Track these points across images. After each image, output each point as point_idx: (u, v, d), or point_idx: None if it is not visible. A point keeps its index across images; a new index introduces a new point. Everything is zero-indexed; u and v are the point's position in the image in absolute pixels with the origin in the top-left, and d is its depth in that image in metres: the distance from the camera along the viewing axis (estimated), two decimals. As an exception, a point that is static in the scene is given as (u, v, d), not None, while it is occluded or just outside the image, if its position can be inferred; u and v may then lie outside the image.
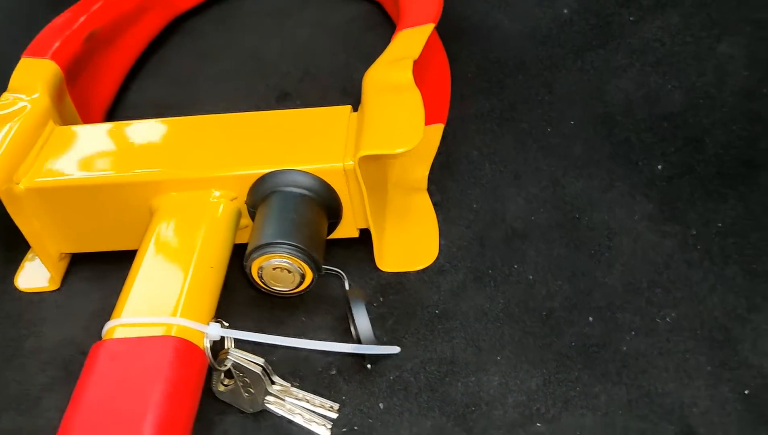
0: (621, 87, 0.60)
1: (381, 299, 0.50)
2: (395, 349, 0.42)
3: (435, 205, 0.55)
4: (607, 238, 0.51)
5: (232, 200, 0.49)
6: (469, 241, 0.52)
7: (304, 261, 0.45)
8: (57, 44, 0.61)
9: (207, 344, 0.42)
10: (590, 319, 0.47)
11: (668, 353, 0.45)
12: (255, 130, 0.51)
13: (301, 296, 0.50)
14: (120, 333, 0.41)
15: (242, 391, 0.44)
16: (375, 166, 0.51)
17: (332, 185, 0.48)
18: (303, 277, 0.46)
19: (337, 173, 0.47)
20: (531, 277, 0.50)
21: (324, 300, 0.50)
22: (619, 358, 0.45)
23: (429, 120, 0.61)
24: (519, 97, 0.61)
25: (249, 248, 0.45)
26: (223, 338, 0.44)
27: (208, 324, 0.42)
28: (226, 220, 0.48)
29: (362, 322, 0.43)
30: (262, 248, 0.45)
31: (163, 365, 0.39)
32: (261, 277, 0.46)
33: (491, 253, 0.51)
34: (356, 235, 0.52)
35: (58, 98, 0.57)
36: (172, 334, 0.41)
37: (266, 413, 0.45)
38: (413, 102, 0.48)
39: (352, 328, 0.47)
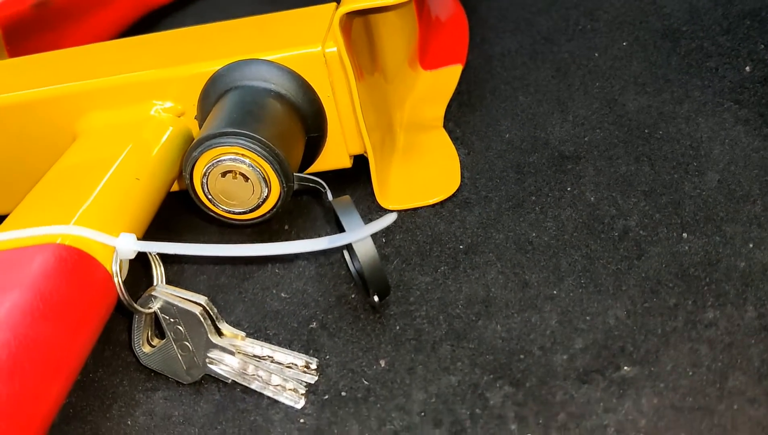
0: (683, -3, 0.47)
1: (383, 241, 0.36)
2: (391, 218, 0.27)
3: (455, 140, 0.42)
4: (691, 148, 0.37)
5: (178, 117, 0.37)
6: (503, 169, 0.39)
7: (267, 160, 0.32)
8: (-1, 2, 0.51)
9: (116, 269, 0.28)
10: (684, 235, 0.32)
11: (812, 264, 0.30)
12: (213, 34, 0.39)
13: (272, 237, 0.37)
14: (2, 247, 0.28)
15: (176, 349, 0.30)
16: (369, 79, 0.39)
17: (310, 83, 0.35)
18: (267, 188, 0.32)
19: (314, 62, 0.35)
20: (592, 198, 0.35)
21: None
22: (737, 276, 0.30)
23: (445, 61, 0.49)
24: (555, 30, 0.49)
25: (189, 147, 0.32)
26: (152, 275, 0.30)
27: (118, 236, 0.29)
28: (165, 134, 0.35)
29: (354, 223, 0.29)
30: (207, 141, 0.32)
31: (34, 274, 0.25)
32: (207, 191, 0.33)
33: (533, 179, 0.37)
34: (348, 164, 0.39)
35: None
36: (58, 242, 0.27)
37: (210, 381, 0.30)
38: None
39: (347, 258, 0.33)
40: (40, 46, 0.54)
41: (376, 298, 0.30)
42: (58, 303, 0.25)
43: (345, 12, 0.33)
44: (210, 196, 0.33)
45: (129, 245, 0.28)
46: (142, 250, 0.28)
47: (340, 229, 0.30)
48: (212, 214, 0.33)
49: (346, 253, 0.33)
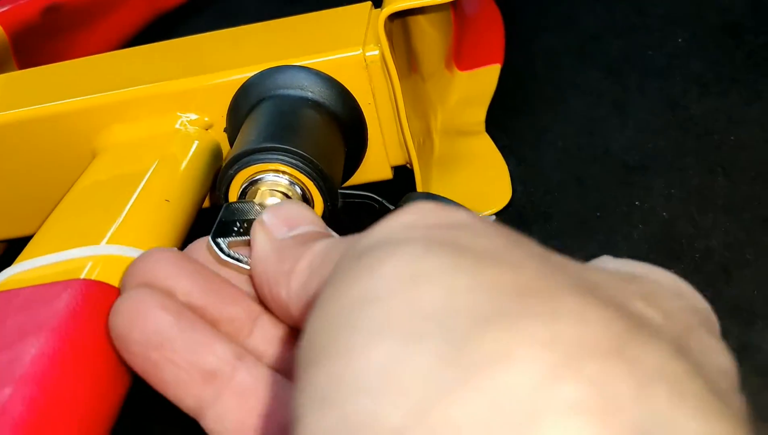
0: (743, -10, 0.44)
1: (434, 263, 0.33)
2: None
3: (501, 149, 0.38)
4: (770, 156, 0.34)
5: (206, 130, 0.33)
6: (561, 182, 0.35)
7: (310, 176, 0.28)
8: (6, 7, 0.48)
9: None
10: (776, 255, 0.29)
11: None
12: (241, 38, 0.36)
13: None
14: (16, 284, 0.25)
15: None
16: (412, 80, 0.36)
17: (350, 90, 0.32)
18: (309, 207, 0.29)
19: (354, 67, 0.32)
20: (665, 213, 0.32)
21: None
22: None
23: (481, 61, 0.46)
24: (601, 28, 0.46)
25: (224, 163, 0.29)
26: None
27: (149, 266, 0.25)
28: (191, 149, 0.32)
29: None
30: (243, 157, 0.28)
31: (61, 315, 0.22)
32: (243, 213, 0.29)
33: (597, 193, 0.34)
34: (389, 175, 0.35)
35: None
36: (82, 277, 0.24)
37: None
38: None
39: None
40: (51, 55, 0.51)
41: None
42: (90, 347, 0.22)
43: (390, 13, 0.30)
44: (246, 219, 0.29)
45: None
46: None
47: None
48: (248, 238, 0.30)
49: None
